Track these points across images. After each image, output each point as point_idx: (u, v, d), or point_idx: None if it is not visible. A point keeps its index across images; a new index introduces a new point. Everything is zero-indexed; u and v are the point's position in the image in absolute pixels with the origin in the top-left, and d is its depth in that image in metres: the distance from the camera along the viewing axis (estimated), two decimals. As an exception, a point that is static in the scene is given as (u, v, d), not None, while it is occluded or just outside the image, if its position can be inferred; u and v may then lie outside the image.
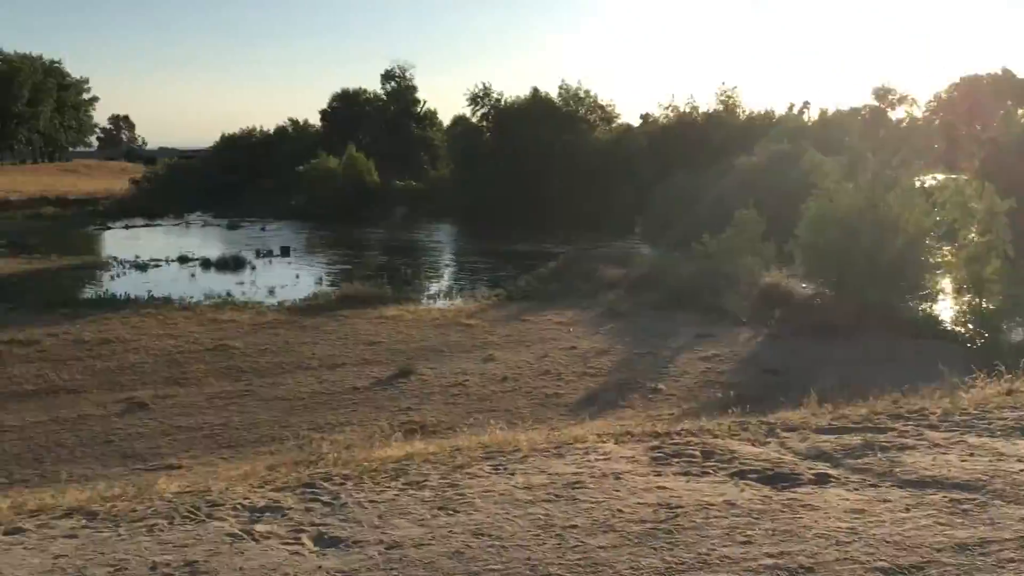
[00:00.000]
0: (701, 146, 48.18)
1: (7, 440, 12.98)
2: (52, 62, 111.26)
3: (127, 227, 54.66)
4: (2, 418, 13.95)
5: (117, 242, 46.37)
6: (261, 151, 78.13)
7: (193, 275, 31.47)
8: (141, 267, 33.55)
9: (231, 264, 33.79)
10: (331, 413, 14.20)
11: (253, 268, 33.45)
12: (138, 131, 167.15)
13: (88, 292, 26.43)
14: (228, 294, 25.63)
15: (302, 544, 3.80)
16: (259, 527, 3.99)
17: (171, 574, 3.45)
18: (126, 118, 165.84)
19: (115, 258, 36.26)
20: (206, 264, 33.93)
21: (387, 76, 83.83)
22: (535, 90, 60.07)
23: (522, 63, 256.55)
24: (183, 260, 35.14)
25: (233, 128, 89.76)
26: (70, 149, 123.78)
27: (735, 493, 4.51)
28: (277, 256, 37.91)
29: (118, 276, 31.41)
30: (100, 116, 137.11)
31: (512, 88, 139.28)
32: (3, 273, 30.59)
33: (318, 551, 3.74)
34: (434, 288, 29.06)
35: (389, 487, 4.57)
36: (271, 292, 26.65)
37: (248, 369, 16.98)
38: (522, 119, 57.30)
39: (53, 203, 68.07)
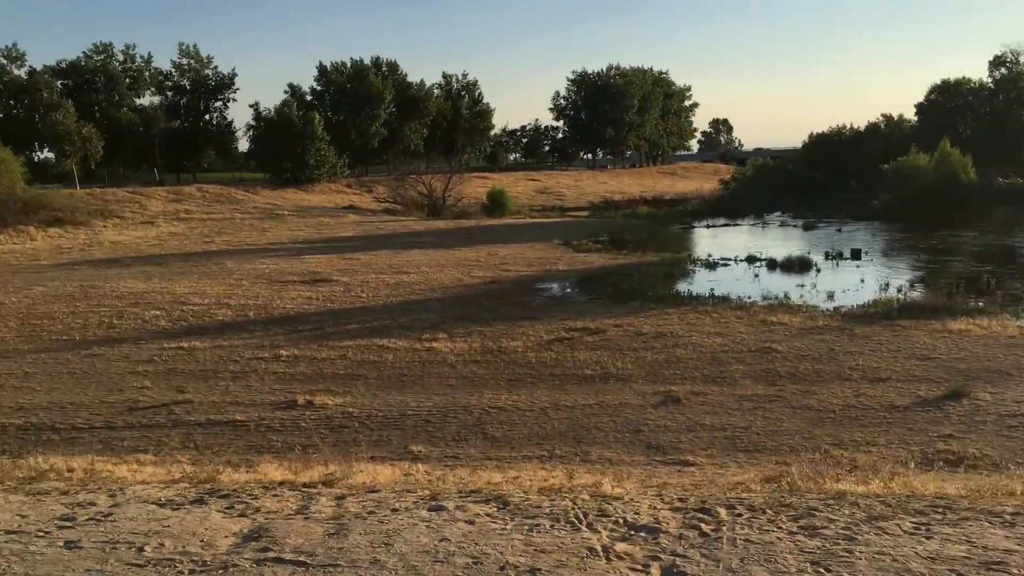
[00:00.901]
0: None
1: (559, 418, 14.57)
2: (660, 73, 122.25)
3: (708, 226, 57.74)
4: (560, 398, 15.70)
5: (697, 240, 49.14)
6: (848, 150, 76.36)
7: (756, 275, 31.90)
8: (710, 265, 35.06)
9: (796, 265, 33.59)
10: (859, 430, 13.35)
11: (818, 270, 32.74)
12: (735, 133, 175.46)
13: (658, 288, 28.35)
14: (785, 296, 25.57)
15: (648, 574, 3.68)
16: (621, 546, 3.96)
17: (512, 578, 3.60)
18: (725, 121, 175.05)
19: (689, 256, 38.52)
20: (771, 265, 34.22)
21: (996, 62, 75.55)
22: None
23: None
24: (750, 260, 35.92)
25: (823, 127, 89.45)
26: (672, 153, 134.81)
27: None
28: (846, 259, 36.58)
29: (689, 273, 33.20)
30: (701, 121, 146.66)
31: None
32: (593, 267, 34.46)
33: (657, 584, 3.59)
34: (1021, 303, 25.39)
35: (781, 527, 4.19)
36: (830, 296, 25.83)
37: (784, 374, 16.74)
38: None
39: (649, 203, 75.01)
